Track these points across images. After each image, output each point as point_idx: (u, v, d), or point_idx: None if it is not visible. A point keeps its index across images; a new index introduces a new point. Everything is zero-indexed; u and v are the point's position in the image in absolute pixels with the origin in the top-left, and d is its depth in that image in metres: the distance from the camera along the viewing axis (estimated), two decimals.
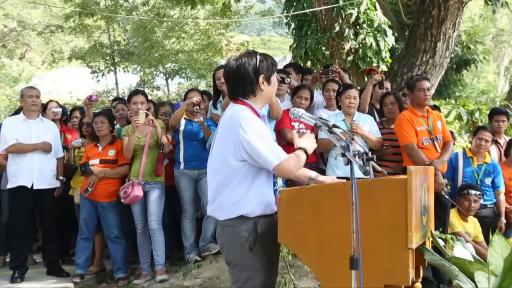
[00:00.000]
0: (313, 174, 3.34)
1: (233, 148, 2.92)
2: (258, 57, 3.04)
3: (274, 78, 3.09)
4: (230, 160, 2.93)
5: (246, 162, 2.93)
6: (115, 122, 6.58)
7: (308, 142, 3.07)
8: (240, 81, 3.03)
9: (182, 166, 5.97)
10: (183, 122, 6.03)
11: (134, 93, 6.11)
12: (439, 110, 6.84)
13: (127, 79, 21.28)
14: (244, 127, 2.89)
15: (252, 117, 2.96)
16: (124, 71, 20.44)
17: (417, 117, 5.53)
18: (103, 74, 20.04)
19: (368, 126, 5.69)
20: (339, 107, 5.85)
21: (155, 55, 19.54)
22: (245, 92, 3.04)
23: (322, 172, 5.64)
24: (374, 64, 9.99)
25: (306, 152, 3.01)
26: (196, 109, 5.91)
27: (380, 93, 6.42)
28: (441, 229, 3.97)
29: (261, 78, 3.02)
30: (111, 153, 6.02)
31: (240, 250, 2.97)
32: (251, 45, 20.97)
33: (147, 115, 5.73)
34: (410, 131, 5.46)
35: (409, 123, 5.48)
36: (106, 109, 7.82)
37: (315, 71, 7.06)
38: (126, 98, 7.30)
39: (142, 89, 20.55)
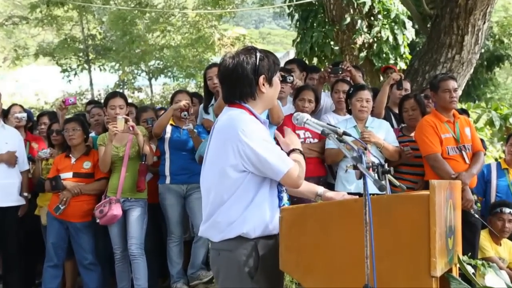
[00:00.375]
0: (320, 189, 3.35)
1: (233, 158, 2.91)
2: (258, 54, 3.05)
3: (277, 79, 3.11)
4: (229, 171, 2.92)
5: (247, 173, 2.92)
6: (89, 129, 6.59)
7: (297, 142, 3.12)
8: (237, 82, 3.03)
9: (168, 180, 5.99)
10: (169, 129, 6.05)
11: (111, 95, 6.14)
12: (468, 115, 6.88)
13: (103, 79, 21.31)
14: (246, 133, 2.89)
15: (253, 120, 2.98)
16: (100, 70, 20.48)
17: (442, 123, 5.55)
18: (75, 73, 20.08)
19: (384, 133, 5.71)
20: (349, 111, 5.88)
21: (136, 51, 19.58)
22: (243, 95, 3.05)
23: (331, 187, 5.65)
24: (391, 61, 10.04)
25: (303, 154, 3.05)
26: (185, 115, 5.93)
27: (398, 94, 6.45)
28: (470, 253, 3.96)
29: (261, 79, 3.03)
30: (87, 165, 6.04)
31: (239, 278, 2.95)
32: (248, 39, 21.05)
33: (126, 120, 5.75)
34: (434, 139, 5.48)
35: (432, 129, 5.50)
36: (79, 114, 7.83)
37: (322, 69, 7.10)
38: (102, 101, 7.32)
39: (121, 90, 20.68)
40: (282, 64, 6.36)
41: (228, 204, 2.94)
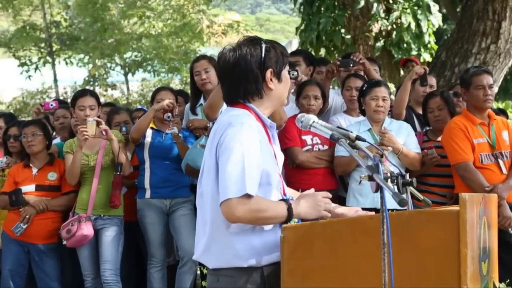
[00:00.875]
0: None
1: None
2: (264, 45, 3.07)
3: (286, 73, 3.14)
4: None
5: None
6: (53, 134, 6.59)
7: (304, 206, 3.05)
8: (240, 78, 3.05)
9: (148, 194, 6.00)
10: (149, 133, 6.05)
11: (80, 94, 6.12)
12: (506, 116, 6.91)
13: (70, 75, 21.32)
14: (236, 129, 2.93)
15: (254, 127, 2.99)
16: (66, 64, 20.50)
17: (475, 126, 5.58)
18: (36, 68, 20.10)
19: (403, 137, 5.72)
20: (363, 112, 5.90)
21: (109, 41, 19.62)
22: (248, 93, 3.08)
23: (342, 201, 5.67)
24: (414, 53, 10.06)
25: (290, 213, 2.98)
26: (168, 117, 5.93)
27: (422, 92, 6.46)
28: (508, 280, 3.98)
29: (268, 73, 3.05)
30: (52, 177, 6.05)
31: None
32: (242, 27, 21.03)
33: (98, 124, 5.75)
34: (465, 145, 5.50)
35: (463, 134, 5.52)
36: (40, 117, 7.83)
37: (331, 61, 7.11)
38: (69, 101, 7.33)
39: (91, 88, 20.68)
40: None
41: (234, 227, 2.98)
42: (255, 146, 2.94)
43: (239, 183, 2.85)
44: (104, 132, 5.75)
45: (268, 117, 3.18)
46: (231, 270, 3.00)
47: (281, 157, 3.24)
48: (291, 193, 3.35)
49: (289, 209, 2.97)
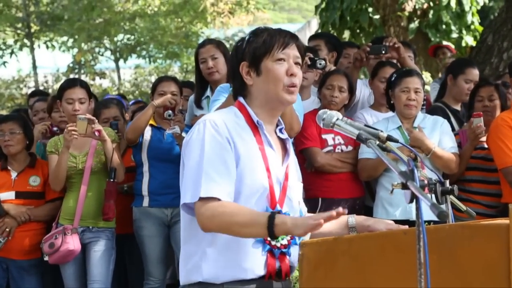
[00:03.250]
0: (352, 218, 3.38)
1: None
2: (249, 36, 3.20)
3: (270, 63, 3.15)
4: None
5: None
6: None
7: (299, 224, 2.89)
8: (230, 76, 3.29)
9: (146, 202, 6.03)
10: (148, 132, 6.06)
11: (68, 84, 6.03)
12: None
13: (51, 60, 21.34)
14: (197, 127, 3.09)
15: (220, 123, 3.08)
16: (47, 47, 20.52)
17: None
18: (12, 53, 20.10)
19: (438, 135, 5.71)
20: (391, 107, 5.89)
21: (98, 21, 19.60)
22: (236, 92, 3.25)
23: (369, 211, 5.67)
24: (454, 35, 10.03)
25: (271, 221, 2.88)
26: (169, 115, 5.91)
27: (467, 89, 6.34)
28: None
29: (241, 67, 3.17)
30: (34, 181, 6.08)
31: None
32: (252, 5, 20.97)
33: (91, 122, 5.73)
34: None
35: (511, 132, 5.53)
36: (19, 110, 7.86)
37: (360, 47, 7.08)
38: (50, 91, 7.33)
39: (76, 76, 20.66)
40: (305, 41, 6.35)
41: (188, 236, 3.15)
42: (218, 145, 3.03)
43: (194, 187, 2.98)
44: (97, 133, 5.69)
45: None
46: (193, 286, 3.12)
47: (285, 160, 3.25)
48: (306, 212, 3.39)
49: (271, 216, 2.88)
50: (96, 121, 5.76)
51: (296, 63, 3.17)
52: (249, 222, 2.93)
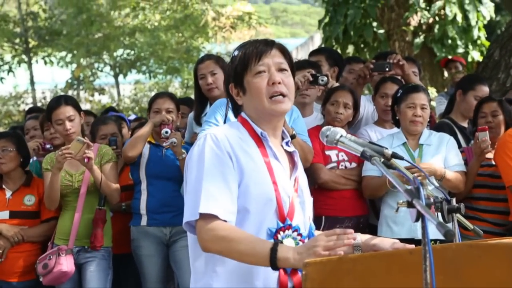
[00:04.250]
0: (357, 237, 3.37)
1: None
2: (233, 55, 3.20)
3: (252, 78, 3.13)
4: None
5: None
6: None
7: (298, 248, 2.94)
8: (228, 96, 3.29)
9: (144, 221, 6.02)
10: (146, 148, 6.07)
11: (53, 104, 5.99)
12: None
13: (50, 76, 21.37)
14: (198, 142, 3.09)
15: (222, 137, 3.07)
16: (45, 63, 20.56)
17: None
18: (9, 69, 20.12)
19: (444, 152, 5.71)
20: (396, 123, 5.88)
21: (97, 36, 19.64)
22: (235, 110, 3.30)
23: (373, 229, 5.65)
24: (460, 50, 10.04)
25: (273, 254, 2.89)
26: (166, 132, 5.91)
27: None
28: None
29: (231, 88, 3.21)
30: (29, 201, 6.07)
31: None
32: (255, 19, 21.03)
33: (87, 146, 5.63)
34: None
35: None
36: (16, 128, 7.86)
37: (365, 62, 7.09)
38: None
39: (74, 93, 20.72)
40: (304, 55, 6.34)
41: (195, 255, 3.16)
42: (218, 160, 3.02)
43: (194, 204, 2.98)
44: (86, 159, 5.66)
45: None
46: None
47: (293, 173, 3.24)
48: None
49: (274, 249, 2.89)
50: (92, 147, 5.74)
51: (281, 69, 3.13)
52: (250, 252, 2.92)
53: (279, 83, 3.09)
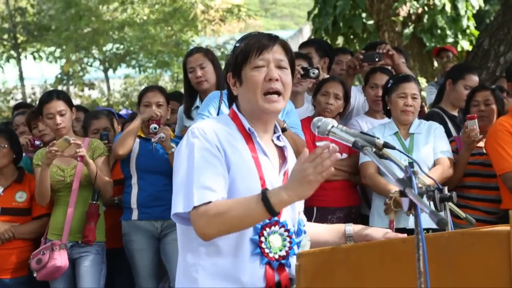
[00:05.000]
0: (349, 227, 3.38)
1: None
2: (235, 45, 3.20)
3: (248, 70, 3.13)
4: None
5: None
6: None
7: (288, 185, 2.86)
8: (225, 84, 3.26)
9: (135, 215, 6.02)
10: (136, 142, 6.05)
11: (45, 98, 6.00)
12: None
13: (39, 72, 21.33)
14: (187, 135, 3.08)
15: (209, 131, 3.06)
16: (34, 58, 20.52)
17: None
18: None
19: (432, 140, 5.72)
20: (387, 113, 5.89)
21: (85, 30, 19.60)
22: (229, 101, 3.28)
23: (365, 220, 5.66)
24: (449, 40, 10.05)
25: (266, 199, 2.84)
26: (155, 128, 5.92)
27: (466, 95, 6.36)
28: None
29: (229, 77, 3.20)
30: (21, 197, 6.07)
31: None
32: (244, 12, 21.02)
33: (76, 146, 5.62)
34: None
35: (511, 136, 5.52)
36: (7, 123, 7.84)
37: (354, 53, 7.09)
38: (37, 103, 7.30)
39: (64, 88, 20.69)
40: (294, 47, 6.37)
41: (183, 247, 3.19)
42: (208, 152, 3.01)
43: (187, 196, 2.96)
44: (79, 159, 5.69)
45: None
46: None
47: (283, 168, 3.23)
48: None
49: (265, 198, 2.85)
50: (82, 147, 5.73)
51: (280, 67, 3.11)
52: (246, 213, 2.89)
53: (276, 80, 3.07)
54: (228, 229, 2.94)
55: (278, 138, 3.25)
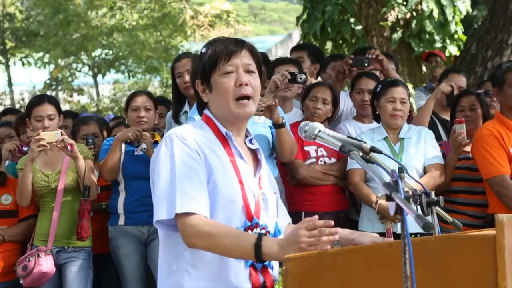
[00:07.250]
0: (338, 231, 3.38)
1: None
2: (201, 51, 3.20)
3: (219, 78, 3.13)
4: None
5: None
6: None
7: (281, 243, 2.94)
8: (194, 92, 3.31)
9: (122, 220, 6.02)
10: (122, 149, 6.05)
11: (36, 101, 6.02)
12: None
13: (27, 77, 21.30)
14: (165, 141, 3.07)
15: (188, 136, 3.07)
16: (23, 64, 20.50)
17: (510, 132, 5.59)
18: None
19: (422, 146, 5.73)
20: (376, 118, 5.90)
21: (74, 36, 19.59)
22: (199, 108, 3.31)
23: (354, 224, 5.66)
24: (438, 45, 10.09)
25: (258, 250, 2.90)
26: (135, 145, 6.00)
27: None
28: None
29: (197, 84, 3.21)
30: (6, 200, 6.06)
31: None
32: (233, 17, 21.03)
33: (63, 138, 5.65)
34: (499, 155, 5.51)
35: (497, 141, 5.53)
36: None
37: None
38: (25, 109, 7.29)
39: (53, 93, 20.64)
40: (285, 52, 6.36)
41: (165, 253, 3.16)
42: (189, 157, 3.02)
43: (169, 203, 2.96)
44: (69, 147, 5.66)
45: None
46: None
47: (258, 171, 3.25)
48: (283, 223, 3.38)
49: (258, 244, 2.89)
50: (66, 136, 5.73)
51: (248, 71, 3.13)
52: (235, 247, 2.93)
53: (246, 84, 3.09)
54: (212, 250, 2.97)
55: (250, 141, 3.26)
